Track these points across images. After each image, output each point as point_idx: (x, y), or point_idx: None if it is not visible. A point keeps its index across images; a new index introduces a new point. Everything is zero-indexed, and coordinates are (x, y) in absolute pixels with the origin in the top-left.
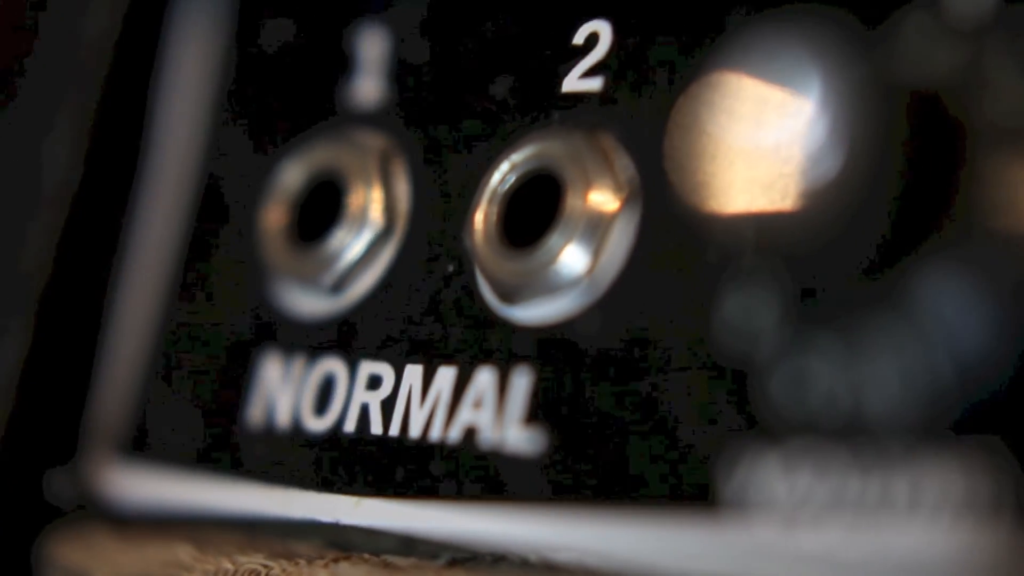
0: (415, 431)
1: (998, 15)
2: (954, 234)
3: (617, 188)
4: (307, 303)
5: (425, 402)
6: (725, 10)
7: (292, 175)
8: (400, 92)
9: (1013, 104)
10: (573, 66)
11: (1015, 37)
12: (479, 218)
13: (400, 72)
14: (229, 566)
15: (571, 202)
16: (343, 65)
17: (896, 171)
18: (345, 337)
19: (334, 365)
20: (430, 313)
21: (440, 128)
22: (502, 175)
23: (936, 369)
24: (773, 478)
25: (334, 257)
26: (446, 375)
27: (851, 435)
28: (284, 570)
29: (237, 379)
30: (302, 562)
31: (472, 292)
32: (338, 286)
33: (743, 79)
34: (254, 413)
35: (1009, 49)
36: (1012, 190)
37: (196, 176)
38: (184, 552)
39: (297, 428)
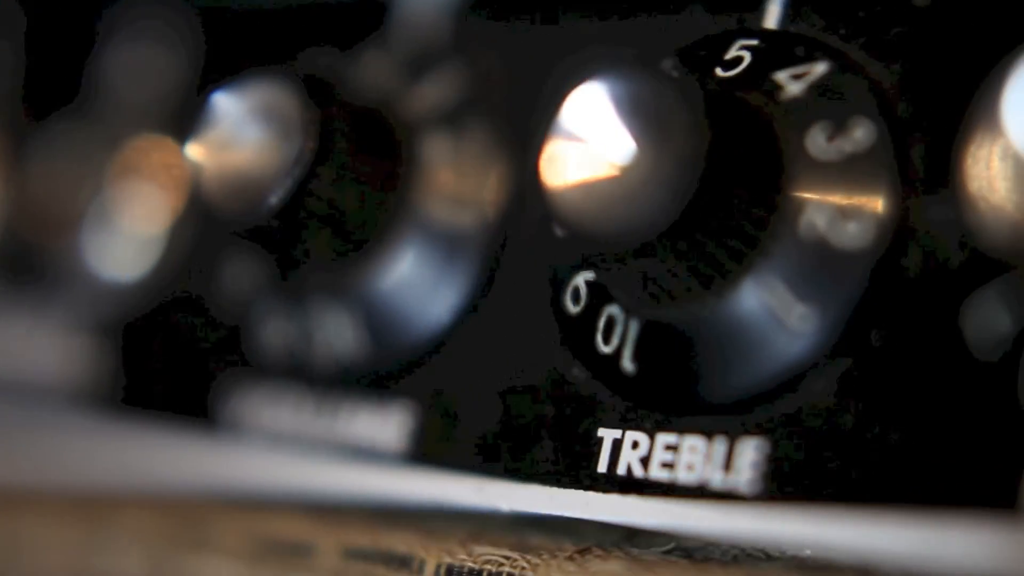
0: None
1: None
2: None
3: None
4: None
5: None
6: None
7: None
8: None
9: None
10: None
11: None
12: None
13: None
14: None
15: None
16: None
17: (354, 171)
18: None
19: None
20: None
21: None
22: None
23: (368, 336)
24: (259, 407)
25: None
26: None
27: (315, 381)
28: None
29: None
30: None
31: None
32: None
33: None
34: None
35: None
36: (448, 185)
37: None
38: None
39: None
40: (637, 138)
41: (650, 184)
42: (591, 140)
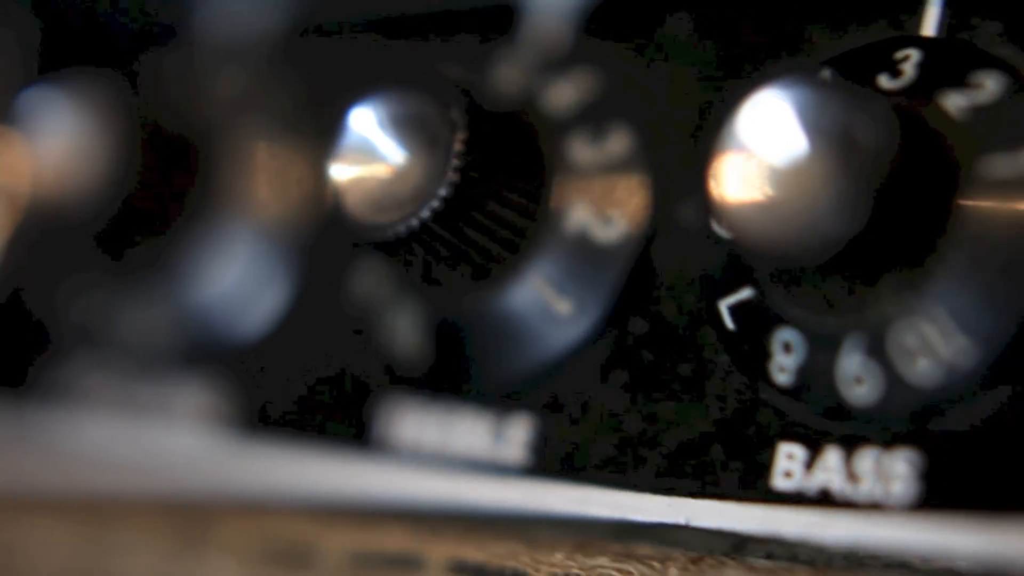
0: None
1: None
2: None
3: None
4: None
5: None
6: None
7: None
8: None
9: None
10: None
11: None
12: None
13: None
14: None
15: None
16: None
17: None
18: None
19: None
20: None
21: None
22: None
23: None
24: (83, 376)
25: None
26: None
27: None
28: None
29: None
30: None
31: None
32: None
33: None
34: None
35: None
36: (257, 187)
37: None
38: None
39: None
40: (405, 141)
41: (414, 180)
42: (368, 144)
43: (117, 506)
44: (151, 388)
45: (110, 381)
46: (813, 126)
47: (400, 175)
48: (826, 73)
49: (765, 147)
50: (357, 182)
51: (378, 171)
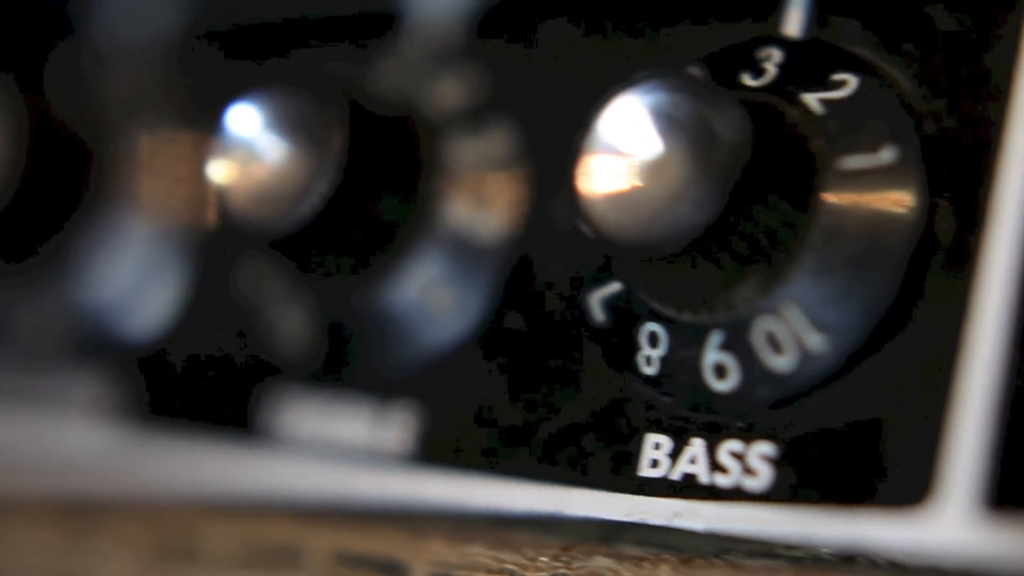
0: None
1: None
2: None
3: None
4: None
5: None
6: None
7: None
8: None
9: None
10: None
11: None
12: None
13: None
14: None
15: None
16: None
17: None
18: None
19: None
20: None
21: None
22: None
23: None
24: None
25: None
26: None
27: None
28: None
29: None
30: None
31: None
32: None
33: None
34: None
35: None
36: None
37: None
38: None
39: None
40: (284, 139)
41: (294, 177)
42: (247, 142)
43: (7, 501)
44: (44, 383)
45: (3, 376)
46: (667, 124)
47: (280, 173)
48: (694, 72)
49: (624, 146)
50: (237, 180)
51: (258, 169)
